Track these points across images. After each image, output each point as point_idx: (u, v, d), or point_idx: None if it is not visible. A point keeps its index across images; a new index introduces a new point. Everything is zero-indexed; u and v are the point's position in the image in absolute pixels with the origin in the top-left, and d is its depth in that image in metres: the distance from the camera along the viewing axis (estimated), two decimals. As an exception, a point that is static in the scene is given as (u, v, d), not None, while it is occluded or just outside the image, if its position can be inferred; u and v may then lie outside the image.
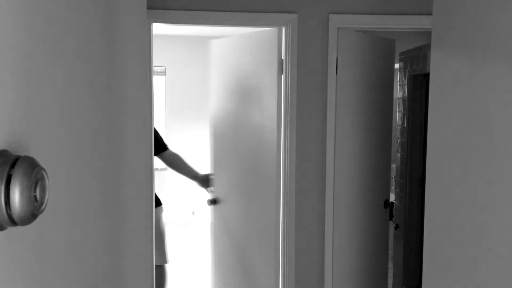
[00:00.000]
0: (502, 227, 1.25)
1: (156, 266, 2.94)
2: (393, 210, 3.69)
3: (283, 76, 2.74)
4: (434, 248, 1.63)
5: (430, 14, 1.65)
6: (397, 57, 3.75)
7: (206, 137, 4.14)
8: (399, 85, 4.07)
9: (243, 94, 3.03)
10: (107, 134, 0.97)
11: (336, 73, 2.75)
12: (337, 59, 2.74)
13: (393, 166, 4.20)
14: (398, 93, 4.07)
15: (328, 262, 2.84)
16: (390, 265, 4.06)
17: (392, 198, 4.04)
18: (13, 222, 0.44)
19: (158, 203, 3.00)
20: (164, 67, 5.98)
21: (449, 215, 1.52)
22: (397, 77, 3.98)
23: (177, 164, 3.17)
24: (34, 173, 0.46)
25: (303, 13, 2.70)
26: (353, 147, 2.94)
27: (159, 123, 6.00)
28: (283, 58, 2.74)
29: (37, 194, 0.47)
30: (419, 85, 3.83)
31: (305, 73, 2.73)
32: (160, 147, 3.04)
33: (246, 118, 3.01)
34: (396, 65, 3.59)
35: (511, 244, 1.21)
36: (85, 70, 0.78)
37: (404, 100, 3.95)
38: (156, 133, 2.94)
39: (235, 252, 3.22)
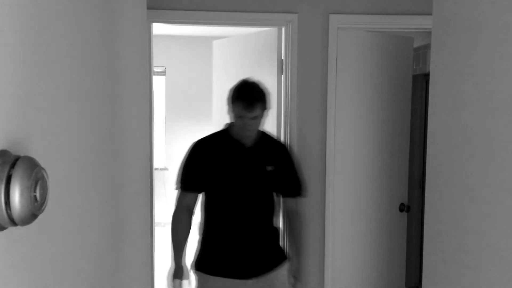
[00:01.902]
0: (503, 227, 1.25)
1: None
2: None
3: (283, 76, 2.74)
4: (434, 248, 1.63)
5: (430, 14, 1.65)
6: (397, 57, 3.74)
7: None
8: (399, 85, 4.07)
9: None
10: (107, 134, 0.97)
11: (336, 73, 2.75)
12: (337, 59, 2.74)
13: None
14: (398, 93, 4.07)
15: (328, 272, 2.84)
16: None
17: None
18: (13, 222, 0.44)
19: (283, 257, 2.17)
20: (164, 67, 5.98)
21: (449, 215, 1.52)
22: (397, 77, 3.96)
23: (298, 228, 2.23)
24: (34, 173, 0.46)
25: (303, 13, 2.70)
26: (357, 147, 2.92)
27: (159, 123, 6.00)
28: (283, 58, 2.74)
29: (37, 194, 0.47)
30: (419, 85, 3.83)
31: (305, 73, 2.73)
32: (296, 189, 2.21)
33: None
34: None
35: (511, 243, 1.21)
36: (85, 70, 0.78)
37: (404, 100, 3.95)
38: (297, 172, 2.20)
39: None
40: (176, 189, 2.10)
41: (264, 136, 2.17)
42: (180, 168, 2.12)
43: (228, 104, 2.04)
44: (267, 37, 2.84)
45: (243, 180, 2.07)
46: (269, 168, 2.10)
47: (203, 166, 2.06)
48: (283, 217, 2.21)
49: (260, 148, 2.10)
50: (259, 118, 2.02)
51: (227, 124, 2.13)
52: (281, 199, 2.21)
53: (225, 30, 4.36)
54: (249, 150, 2.08)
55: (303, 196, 2.23)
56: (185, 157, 2.12)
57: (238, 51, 3.06)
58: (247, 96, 1.98)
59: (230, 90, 2.04)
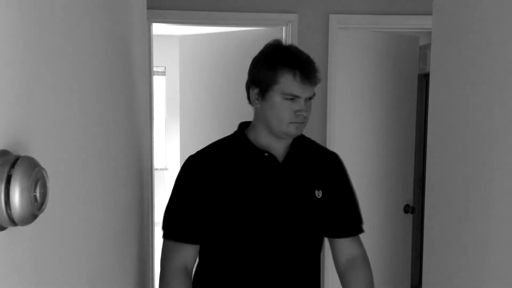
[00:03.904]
0: (503, 227, 1.25)
1: None
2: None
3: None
4: (434, 248, 1.63)
5: (430, 14, 1.65)
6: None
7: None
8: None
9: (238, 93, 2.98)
10: (107, 134, 0.97)
11: (337, 73, 2.75)
12: (337, 59, 2.74)
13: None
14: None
15: (328, 273, 2.84)
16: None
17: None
18: (13, 222, 0.44)
19: None
20: (164, 67, 5.97)
21: (449, 215, 1.52)
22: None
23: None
24: (34, 173, 0.46)
25: (303, 13, 2.70)
26: (358, 147, 2.91)
27: (159, 123, 6.00)
28: (283, 58, 2.74)
29: (37, 194, 0.47)
30: (419, 85, 3.83)
31: (305, 73, 2.73)
32: (355, 224, 1.42)
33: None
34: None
35: (511, 244, 1.21)
36: (85, 70, 0.78)
37: (404, 100, 3.95)
38: (353, 197, 1.44)
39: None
40: (165, 237, 1.30)
41: (301, 141, 1.37)
42: (169, 204, 1.33)
43: (258, 82, 1.24)
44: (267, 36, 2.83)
45: (279, 218, 1.25)
46: (319, 193, 1.31)
47: (208, 199, 1.25)
48: (341, 273, 1.39)
49: (300, 162, 1.33)
50: (311, 102, 1.29)
51: (242, 124, 1.37)
52: (332, 243, 1.41)
53: (225, 30, 4.36)
54: (284, 166, 1.29)
55: (362, 232, 1.42)
56: (176, 185, 1.32)
57: (234, 48, 3.04)
58: (302, 61, 1.25)
59: (258, 59, 1.28)
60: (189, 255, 1.27)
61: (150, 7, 2.38)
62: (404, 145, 3.05)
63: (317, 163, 1.37)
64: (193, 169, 1.30)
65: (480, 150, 1.35)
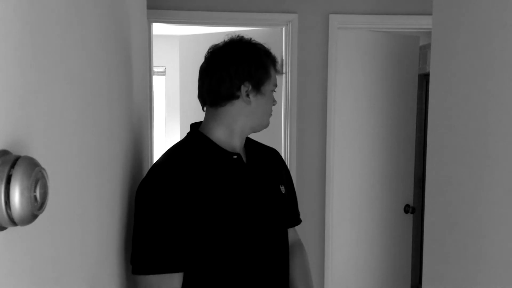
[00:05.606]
0: (502, 227, 1.25)
1: None
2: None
3: (283, 76, 2.75)
4: (434, 248, 1.63)
5: (430, 14, 1.65)
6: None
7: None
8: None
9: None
10: (107, 134, 0.97)
11: (336, 72, 2.75)
12: (337, 59, 2.74)
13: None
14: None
15: (328, 272, 2.84)
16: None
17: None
18: (13, 222, 0.44)
19: None
20: (164, 67, 5.97)
21: (449, 215, 1.52)
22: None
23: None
24: (34, 173, 0.46)
25: (303, 13, 2.70)
26: (359, 147, 2.92)
27: (159, 123, 6.00)
28: (283, 58, 2.74)
29: (37, 194, 0.47)
30: (419, 85, 3.83)
31: (305, 73, 2.73)
32: (297, 215, 1.49)
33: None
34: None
35: (510, 244, 1.21)
36: (85, 70, 0.78)
37: (404, 100, 3.95)
38: (294, 191, 1.48)
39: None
40: (146, 273, 1.09)
41: (248, 140, 1.37)
42: (144, 232, 1.12)
43: (250, 78, 1.20)
44: (267, 36, 2.83)
45: (261, 220, 1.23)
46: (282, 189, 1.34)
47: (188, 215, 1.11)
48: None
49: (259, 161, 1.33)
50: None
51: (194, 126, 1.30)
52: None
53: (225, 30, 4.37)
54: (249, 167, 1.28)
55: (300, 222, 1.50)
56: (146, 208, 1.13)
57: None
58: (271, 52, 1.30)
59: (243, 56, 1.22)
60: (178, 285, 1.11)
61: (150, 7, 2.38)
62: (404, 145, 3.06)
63: (270, 160, 1.38)
64: (164, 185, 1.13)
65: (480, 150, 1.35)
